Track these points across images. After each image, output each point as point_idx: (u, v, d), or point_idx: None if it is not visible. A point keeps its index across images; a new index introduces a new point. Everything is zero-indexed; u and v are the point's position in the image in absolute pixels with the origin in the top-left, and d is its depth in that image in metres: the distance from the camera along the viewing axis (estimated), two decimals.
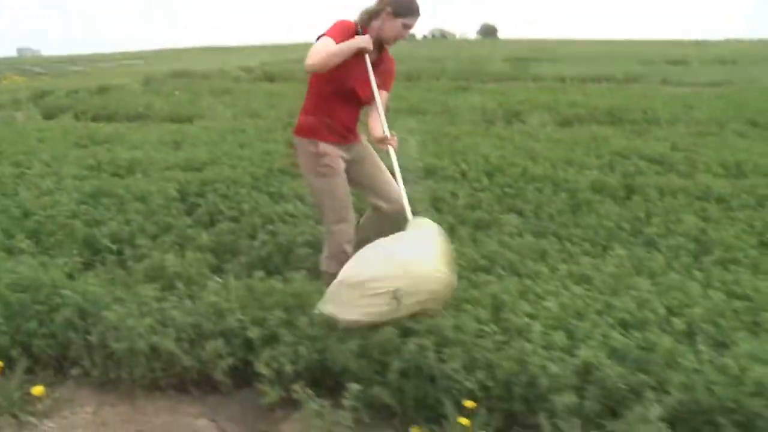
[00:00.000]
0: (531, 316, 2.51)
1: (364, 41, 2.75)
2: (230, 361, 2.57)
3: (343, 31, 2.76)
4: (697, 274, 3.16)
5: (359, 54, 2.78)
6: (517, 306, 2.57)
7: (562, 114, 8.94)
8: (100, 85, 14.46)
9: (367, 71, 2.82)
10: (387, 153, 2.88)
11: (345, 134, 2.98)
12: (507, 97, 10.43)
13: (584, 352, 2.21)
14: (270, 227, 3.86)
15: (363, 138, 3.12)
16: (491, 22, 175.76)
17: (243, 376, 2.62)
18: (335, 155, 2.93)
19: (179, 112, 10.37)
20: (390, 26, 2.80)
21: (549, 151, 5.79)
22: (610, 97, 10.72)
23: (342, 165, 2.97)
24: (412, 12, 2.80)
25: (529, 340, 2.31)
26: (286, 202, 4.32)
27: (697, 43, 40.85)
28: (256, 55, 32.34)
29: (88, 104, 11.28)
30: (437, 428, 2.23)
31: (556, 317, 2.49)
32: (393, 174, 2.92)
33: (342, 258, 2.85)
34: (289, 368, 2.45)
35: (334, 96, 2.88)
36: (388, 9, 2.76)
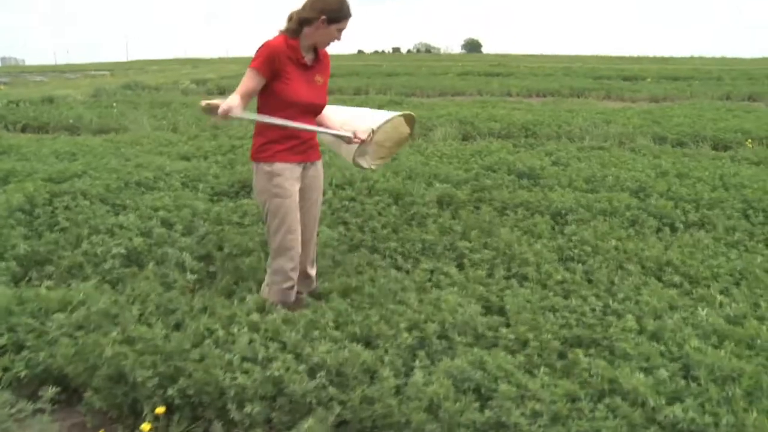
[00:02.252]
0: (255, 329, 2.57)
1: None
2: None
3: (267, 60, 2.73)
4: (480, 288, 3.24)
5: (298, 65, 2.83)
6: (244, 318, 2.63)
7: (477, 128, 9.06)
8: (44, 96, 14.45)
9: (312, 80, 2.89)
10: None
11: (304, 150, 2.94)
12: (433, 111, 10.53)
13: (276, 365, 2.26)
14: (93, 238, 3.91)
15: (320, 162, 3.11)
16: (476, 37, 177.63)
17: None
18: (290, 177, 2.89)
19: (108, 124, 10.46)
20: (324, 33, 2.82)
21: (422, 166, 5.86)
22: (535, 112, 10.85)
23: (296, 187, 2.92)
24: (345, 16, 2.83)
25: (230, 351, 2.37)
26: (124, 215, 4.35)
27: (662, 60, 41.40)
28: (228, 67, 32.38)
29: (22, 115, 11.33)
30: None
31: (277, 330, 2.55)
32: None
33: (283, 288, 2.91)
34: (24, 373, 2.53)
35: (291, 110, 2.82)
36: (323, 17, 2.76)
